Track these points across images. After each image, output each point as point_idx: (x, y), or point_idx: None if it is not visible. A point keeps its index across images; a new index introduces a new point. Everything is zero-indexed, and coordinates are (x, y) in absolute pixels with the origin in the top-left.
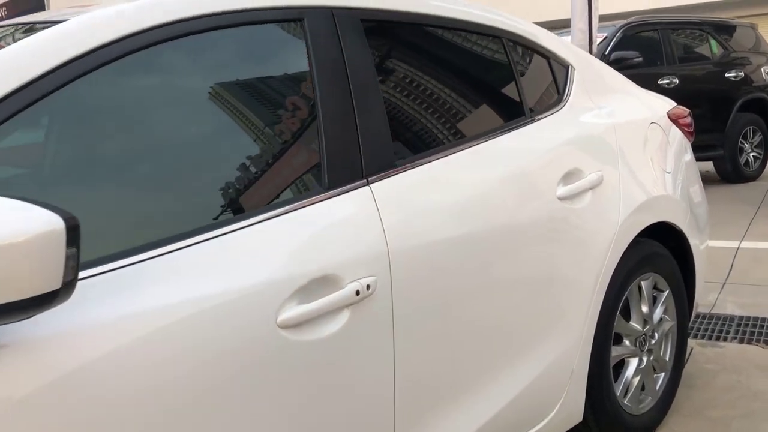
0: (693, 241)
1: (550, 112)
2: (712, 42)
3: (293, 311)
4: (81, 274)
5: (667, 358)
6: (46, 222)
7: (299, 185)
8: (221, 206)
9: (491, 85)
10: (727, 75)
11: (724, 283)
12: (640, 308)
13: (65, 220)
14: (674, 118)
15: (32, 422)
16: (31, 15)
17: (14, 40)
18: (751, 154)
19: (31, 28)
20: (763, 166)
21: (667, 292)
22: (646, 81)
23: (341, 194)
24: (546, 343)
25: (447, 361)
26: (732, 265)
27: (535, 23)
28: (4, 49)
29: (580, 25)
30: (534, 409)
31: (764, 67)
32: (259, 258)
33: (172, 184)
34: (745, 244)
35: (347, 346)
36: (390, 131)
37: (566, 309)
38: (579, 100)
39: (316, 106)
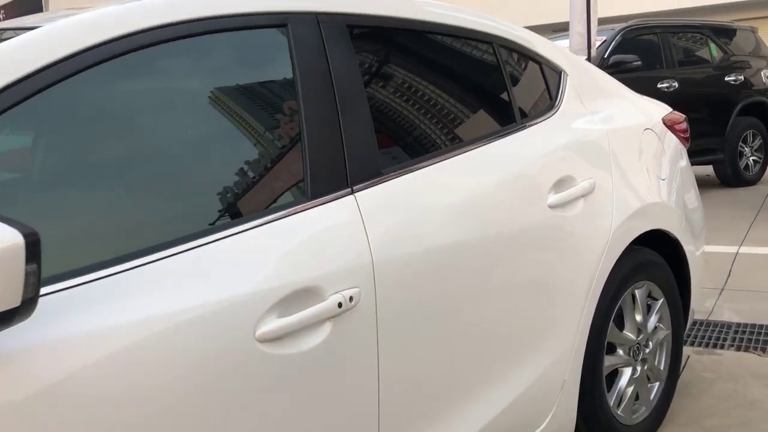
0: (688, 248)
1: (542, 118)
2: (712, 45)
3: (272, 324)
4: (55, 287)
5: (661, 368)
6: (3, 237)
7: (281, 195)
8: (199, 216)
9: (481, 91)
10: (726, 78)
11: (722, 290)
12: (634, 317)
13: (25, 235)
14: (670, 124)
15: None
16: (8, 21)
17: None
18: (751, 158)
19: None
20: (763, 170)
21: (661, 300)
22: (646, 85)
23: (324, 204)
24: (536, 354)
25: (433, 375)
26: (730, 271)
27: (535, 25)
28: None
29: (578, 28)
30: (524, 421)
31: (764, 70)
32: (236, 270)
33: (150, 193)
34: (743, 250)
35: (329, 359)
36: (376, 139)
37: (557, 319)
38: (572, 106)
39: (300, 114)
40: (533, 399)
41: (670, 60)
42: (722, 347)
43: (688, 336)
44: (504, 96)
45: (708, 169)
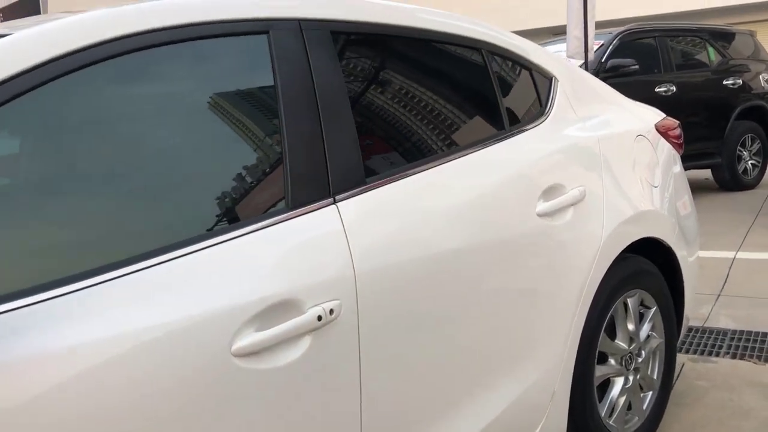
0: (681, 253)
1: (532, 125)
2: (710, 49)
3: (249, 339)
4: (14, 304)
5: (654, 377)
6: None
7: (259, 205)
8: (174, 228)
9: (468, 98)
10: (725, 82)
11: (719, 295)
12: (626, 326)
13: None
14: (663, 130)
15: None
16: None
17: None
18: (750, 162)
19: None
20: (761, 174)
21: (654, 308)
22: (644, 89)
23: (305, 214)
24: (524, 365)
25: (418, 387)
26: (727, 276)
27: (535, 28)
28: None
29: (575, 32)
30: None
31: (763, 74)
32: (211, 284)
33: (122, 205)
34: (741, 255)
35: (308, 374)
36: (360, 148)
37: (545, 329)
38: (562, 113)
39: (281, 122)
40: (521, 411)
41: (668, 64)
42: (718, 355)
43: (683, 343)
44: (492, 103)
45: (706, 173)
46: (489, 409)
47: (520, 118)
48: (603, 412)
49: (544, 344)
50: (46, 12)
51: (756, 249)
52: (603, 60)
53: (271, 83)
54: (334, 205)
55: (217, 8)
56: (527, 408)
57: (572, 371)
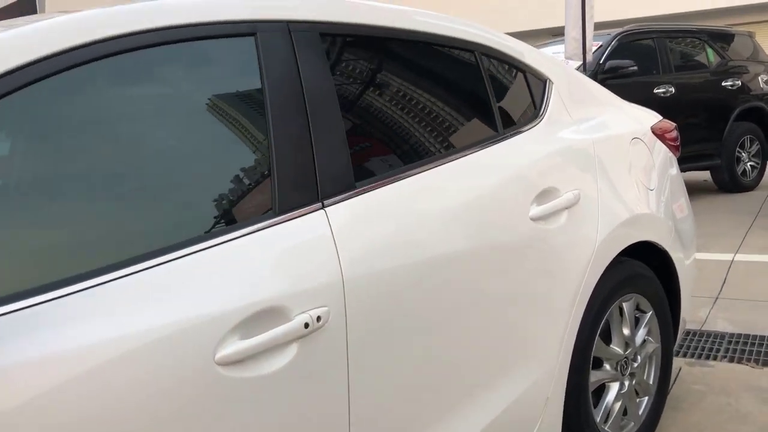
0: (677, 256)
1: (525, 128)
2: (709, 50)
3: (234, 347)
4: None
5: (650, 382)
6: None
7: (246, 210)
8: (157, 234)
9: (461, 100)
10: (724, 84)
11: (717, 298)
12: (621, 331)
13: None
14: (659, 133)
15: None
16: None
17: None
18: (749, 164)
19: None
20: (760, 176)
21: (650, 313)
22: (642, 90)
23: (292, 219)
24: (517, 371)
25: (408, 395)
26: (725, 279)
27: (535, 29)
28: None
29: (573, 33)
30: None
31: (761, 75)
32: (195, 291)
33: (104, 211)
34: (739, 257)
35: (294, 382)
36: (350, 152)
37: (538, 334)
38: (557, 115)
39: (268, 125)
40: (515, 417)
41: (667, 65)
42: (715, 358)
43: (680, 347)
44: (485, 105)
45: (705, 175)
46: (481, 416)
47: (514, 120)
48: (598, 418)
49: (537, 349)
50: (43, 12)
51: (755, 251)
52: (601, 61)
53: (259, 86)
54: (322, 210)
55: (204, 10)
56: (520, 415)
57: (566, 377)
